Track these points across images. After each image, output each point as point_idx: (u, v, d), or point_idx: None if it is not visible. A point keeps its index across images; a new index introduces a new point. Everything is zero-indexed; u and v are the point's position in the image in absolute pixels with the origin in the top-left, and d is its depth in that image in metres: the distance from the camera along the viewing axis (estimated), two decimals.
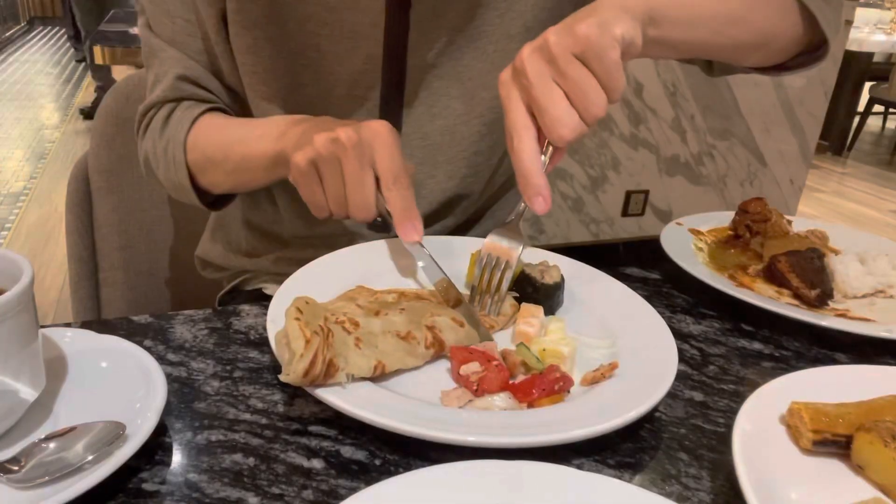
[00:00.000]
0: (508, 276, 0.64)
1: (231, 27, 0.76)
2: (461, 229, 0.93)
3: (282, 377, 0.52)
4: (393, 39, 0.76)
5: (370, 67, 0.78)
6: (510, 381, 0.57)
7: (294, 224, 0.88)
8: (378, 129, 0.64)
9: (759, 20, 0.67)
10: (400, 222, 0.66)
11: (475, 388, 0.55)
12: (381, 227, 0.80)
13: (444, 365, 0.60)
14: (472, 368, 0.56)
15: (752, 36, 0.68)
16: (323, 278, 0.68)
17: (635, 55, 0.58)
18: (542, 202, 0.57)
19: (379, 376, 0.56)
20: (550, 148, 0.58)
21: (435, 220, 0.88)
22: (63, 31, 8.08)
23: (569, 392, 0.57)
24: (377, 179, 0.65)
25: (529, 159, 0.57)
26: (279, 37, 0.76)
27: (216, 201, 0.85)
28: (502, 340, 0.64)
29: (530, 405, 0.55)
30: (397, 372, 0.58)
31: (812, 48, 0.74)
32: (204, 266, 1.01)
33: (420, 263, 0.70)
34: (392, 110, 0.80)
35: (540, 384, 0.55)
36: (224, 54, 0.79)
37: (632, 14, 0.56)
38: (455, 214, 0.90)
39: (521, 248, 0.64)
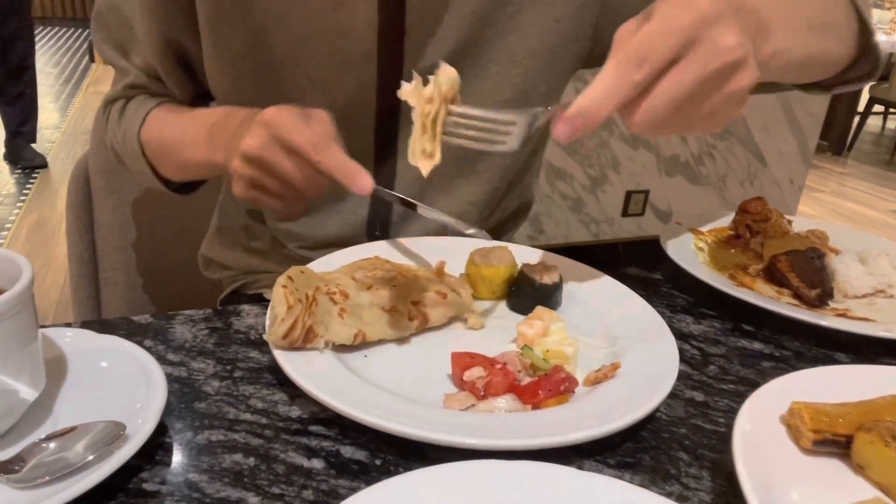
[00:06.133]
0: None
1: (207, 61, 0.78)
2: None
3: (265, 337, 0.58)
4: (387, 68, 0.75)
5: (364, 95, 0.77)
6: (516, 383, 0.57)
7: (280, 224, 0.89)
8: (270, 119, 0.63)
9: (839, 25, 0.65)
10: (346, 181, 0.63)
11: (482, 393, 0.55)
12: (379, 236, 0.82)
13: (446, 370, 0.59)
14: (476, 374, 0.56)
15: (836, 44, 0.66)
16: None
17: None
18: (569, 128, 0.47)
19: (360, 345, 0.60)
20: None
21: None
22: (63, 30, 8.08)
23: (573, 392, 0.57)
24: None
25: (595, 96, 0.46)
26: (263, 70, 0.76)
27: (182, 187, 0.88)
28: (502, 342, 0.64)
29: (535, 406, 0.55)
30: (398, 375, 0.58)
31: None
32: (207, 265, 1.01)
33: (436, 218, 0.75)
34: (387, 134, 0.80)
35: (546, 385, 0.55)
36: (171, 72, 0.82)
37: (748, 31, 0.49)
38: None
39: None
